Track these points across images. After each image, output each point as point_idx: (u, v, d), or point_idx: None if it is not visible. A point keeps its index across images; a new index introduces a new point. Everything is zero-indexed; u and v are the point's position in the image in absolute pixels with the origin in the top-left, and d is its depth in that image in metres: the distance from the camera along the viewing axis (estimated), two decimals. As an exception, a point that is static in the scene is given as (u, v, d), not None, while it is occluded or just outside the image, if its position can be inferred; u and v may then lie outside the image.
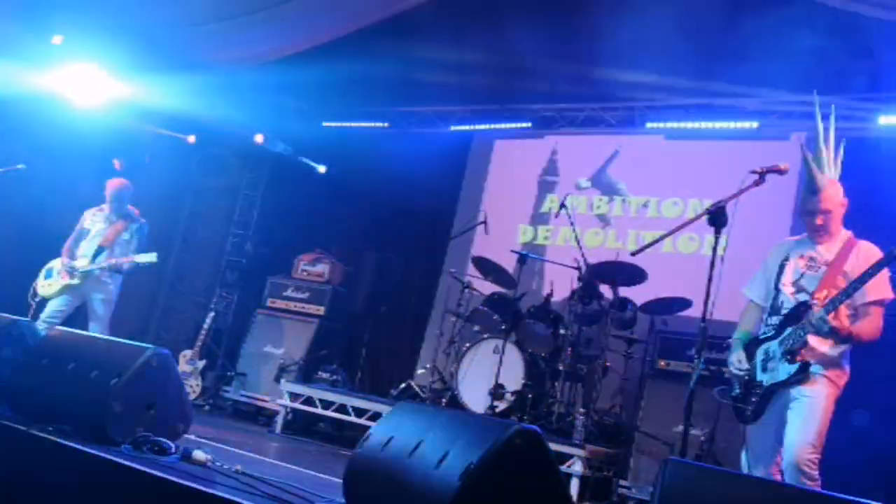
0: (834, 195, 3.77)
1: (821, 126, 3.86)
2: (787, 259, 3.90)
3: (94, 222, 6.52)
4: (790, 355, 3.63)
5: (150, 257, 6.25)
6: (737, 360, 3.83)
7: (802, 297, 3.73)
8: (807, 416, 3.55)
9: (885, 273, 3.55)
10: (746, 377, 3.78)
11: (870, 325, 3.61)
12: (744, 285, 4.10)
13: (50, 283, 6.39)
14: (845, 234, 3.83)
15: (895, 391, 5.00)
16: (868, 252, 3.71)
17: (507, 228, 8.27)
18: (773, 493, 2.48)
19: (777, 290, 3.87)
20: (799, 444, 3.51)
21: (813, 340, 3.61)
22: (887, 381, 4.96)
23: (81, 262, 6.33)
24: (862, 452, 4.87)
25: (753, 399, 3.72)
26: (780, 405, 3.66)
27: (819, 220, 3.77)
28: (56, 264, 6.45)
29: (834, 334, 3.53)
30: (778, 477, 3.63)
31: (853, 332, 3.53)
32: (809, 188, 3.78)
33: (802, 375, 3.59)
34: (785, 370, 3.64)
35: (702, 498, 2.44)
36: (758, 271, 4.07)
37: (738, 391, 3.83)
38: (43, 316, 6.27)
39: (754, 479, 3.22)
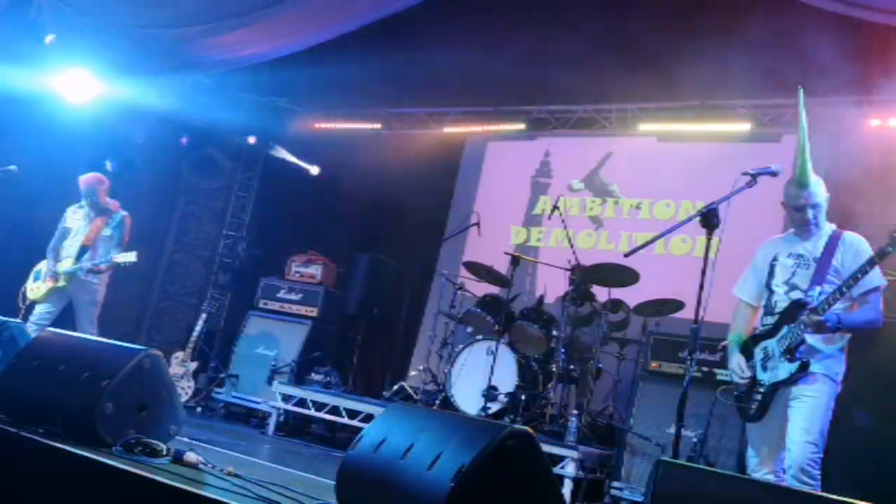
0: (820, 189, 3.83)
1: (804, 121, 3.89)
2: (776, 258, 3.93)
3: (75, 220, 6.46)
4: (789, 354, 3.65)
5: (129, 257, 6.17)
6: (738, 367, 3.85)
7: (795, 294, 3.76)
8: (808, 416, 3.58)
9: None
10: (749, 382, 3.79)
11: (869, 311, 3.65)
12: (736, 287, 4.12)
13: (37, 286, 6.35)
14: (830, 227, 3.87)
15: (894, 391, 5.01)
16: (855, 244, 3.76)
17: (500, 230, 8.28)
18: (764, 495, 2.48)
19: (770, 290, 3.89)
20: (801, 444, 3.54)
21: (810, 338, 3.64)
22: (887, 381, 4.97)
23: (65, 264, 6.28)
24: (862, 452, 4.89)
25: (756, 398, 3.75)
26: (781, 403, 3.69)
27: (808, 215, 3.80)
28: (44, 266, 6.41)
29: (831, 329, 3.57)
30: (781, 475, 3.64)
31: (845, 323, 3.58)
32: (800, 182, 3.80)
33: (802, 374, 3.61)
34: (785, 369, 3.66)
35: (694, 499, 2.44)
36: (747, 271, 4.10)
37: (740, 391, 3.85)
38: (32, 319, 6.22)
39: (746, 479, 3.23)
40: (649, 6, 7.17)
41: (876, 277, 3.64)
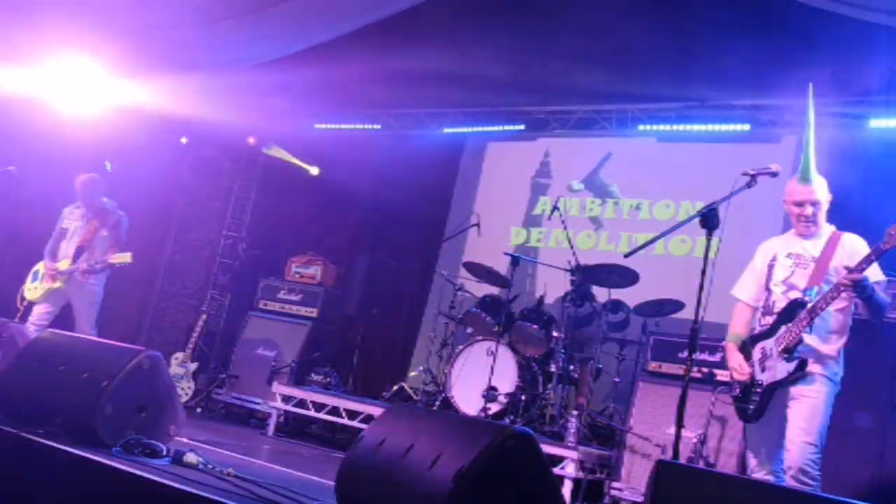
0: (823, 188, 3.84)
1: (812, 117, 3.89)
2: (774, 259, 3.93)
3: (72, 221, 6.47)
4: (787, 353, 3.65)
5: (124, 258, 6.16)
6: (738, 366, 3.84)
7: (794, 294, 3.76)
8: (807, 417, 3.59)
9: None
10: (748, 381, 3.79)
11: (883, 298, 3.64)
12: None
13: (35, 286, 6.35)
14: (829, 228, 3.89)
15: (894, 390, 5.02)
16: (853, 244, 3.77)
17: (499, 230, 8.28)
18: (764, 495, 2.48)
19: (769, 290, 3.90)
20: (800, 445, 3.55)
21: (809, 338, 3.64)
22: (886, 381, 4.98)
23: (62, 265, 6.28)
24: (862, 452, 4.90)
25: (755, 398, 3.75)
26: (780, 404, 3.69)
27: (809, 211, 3.81)
28: (41, 267, 6.42)
29: (867, 288, 3.53)
30: (782, 476, 3.64)
31: (875, 290, 3.56)
32: (803, 177, 3.81)
33: (801, 373, 3.62)
34: (783, 368, 3.66)
35: (694, 500, 2.44)
36: (746, 271, 4.10)
37: (738, 391, 3.85)
38: (30, 320, 6.22)
39: (746, 480, 3.23)
40: (649, 6, 7.17)
41: (874, 273, 3.65)
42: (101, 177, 6.62)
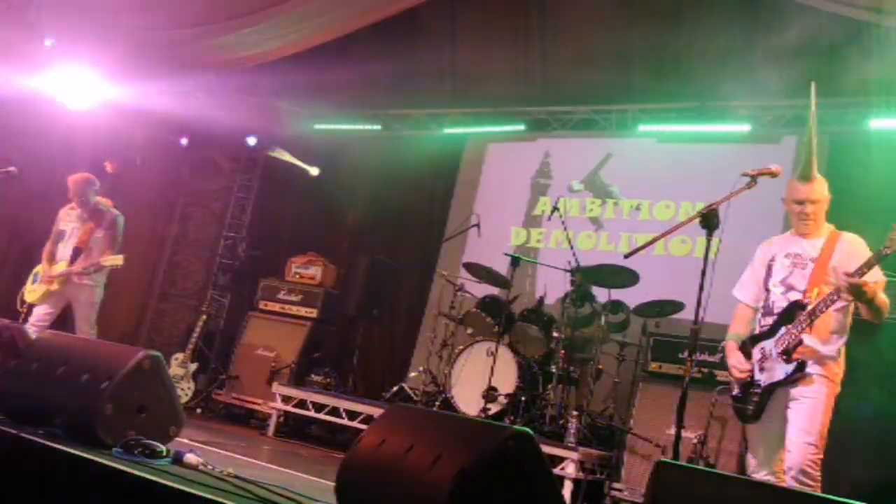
0: (823, 188, 3.83)
1: (814, 116, 3.89)
2: (773, 259, 3.93)
3: (68, 222, 6.45)
4: (786, 354, 3.64)
5: (116, 260, 6.13)
6: (738, 363, 3.84)
7: (793, 295, 3.75)
8: (807, 417, 3.58)
9: None
10: (748, 379, 3.79)
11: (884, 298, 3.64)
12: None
13: (34, 288, 6.35)
14: (828, 228, 3.87)
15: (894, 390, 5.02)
16: (853, 244, 3.76)
17: (499, 231, 8.27)
18: (764, 496, 2.48)
19: (767, 290, 3.89)
20: (800, 445, 3.54)
21: (808, 339, 3.64)
22: (887, 382, 4.98)
23: (59, 267, 6.27)
24: (862, 452, 4.90)
25: (753, 399, 3.74)
26: (780, 404, 3.69)
27: (809, 209, 3.80)
28: (41, 269, 6.41)
29: (867, 293, 3.52)
30: (783, 476, 3.64)
31: (876, 293, 3.55)
32: (804, 175, 3.80)
33: (800, 375, 3.61)
34: (782, 370, 3.66)
35: (694, 500, 2.44)
36: (745, 272, 4.10)
37: (737, 391, 3.85)
38: (31, 321, 6.22)
39: (746, 480, 3.22)
40: (649, 7, 7.18)
41: (874, 275, 3.64)
42: (96, 176, 6.59)
